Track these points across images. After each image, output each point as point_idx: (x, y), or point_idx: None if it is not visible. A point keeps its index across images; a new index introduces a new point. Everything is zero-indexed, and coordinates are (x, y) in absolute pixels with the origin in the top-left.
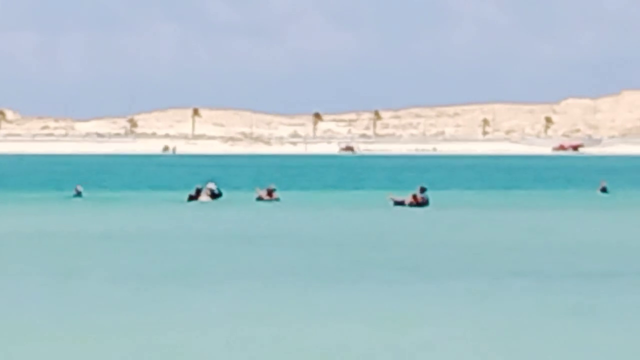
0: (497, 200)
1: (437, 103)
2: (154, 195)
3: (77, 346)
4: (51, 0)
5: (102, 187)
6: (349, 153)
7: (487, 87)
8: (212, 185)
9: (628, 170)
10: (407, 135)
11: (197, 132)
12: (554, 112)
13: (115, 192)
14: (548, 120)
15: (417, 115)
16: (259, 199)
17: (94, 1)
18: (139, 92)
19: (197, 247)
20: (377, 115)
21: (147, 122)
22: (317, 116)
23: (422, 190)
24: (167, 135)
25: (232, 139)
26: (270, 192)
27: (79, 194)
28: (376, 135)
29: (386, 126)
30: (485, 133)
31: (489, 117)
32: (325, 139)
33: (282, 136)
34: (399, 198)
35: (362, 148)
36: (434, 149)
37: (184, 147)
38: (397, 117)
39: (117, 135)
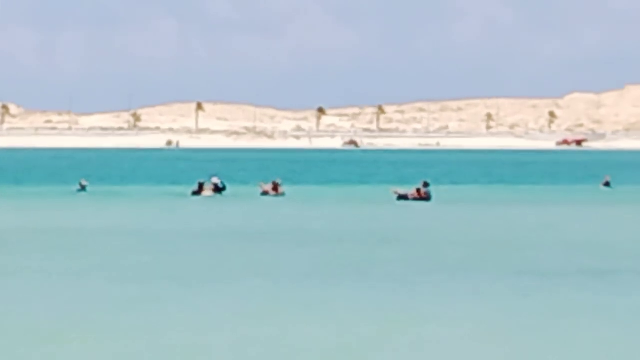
0: (501, 195)
1: (441, 98)
2: (157, 189)
3: (78, 345)
4: None
5: (106, 181)
6: (352, 147)
7: (491, 82)
8: (216, 180)
9: (632, 165)
10: (410, 129)
11: (201, 126)
12: (558, 106)
13: (119, 187)
14: (552, 115)
15: (421, 110)
16: (264, 193)
17: None
18: (142, 87)
19: (201, 244)
20: (381, 110)
21: (150, 116)
22: (321, 111)
23: (425, 184)
24: (170, 130)
25: (235, 133)
26: (275, 187)
27: (83, 188)
28: (380, 129)
29: (390, 121)
30: (489, 128)
31: (493, 112)
32: (329, 133)
33: (286, 130)
34: (403, 192)
35: (365, 142)
36: (438, 144)
37: (187, 142)
38: (401, 111)
39: (121, 129)
